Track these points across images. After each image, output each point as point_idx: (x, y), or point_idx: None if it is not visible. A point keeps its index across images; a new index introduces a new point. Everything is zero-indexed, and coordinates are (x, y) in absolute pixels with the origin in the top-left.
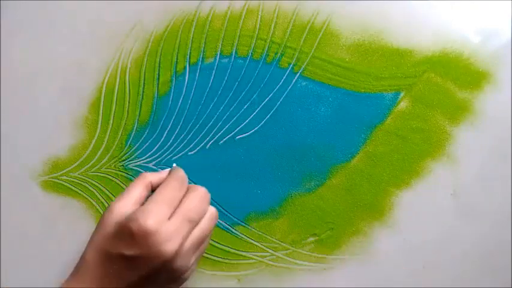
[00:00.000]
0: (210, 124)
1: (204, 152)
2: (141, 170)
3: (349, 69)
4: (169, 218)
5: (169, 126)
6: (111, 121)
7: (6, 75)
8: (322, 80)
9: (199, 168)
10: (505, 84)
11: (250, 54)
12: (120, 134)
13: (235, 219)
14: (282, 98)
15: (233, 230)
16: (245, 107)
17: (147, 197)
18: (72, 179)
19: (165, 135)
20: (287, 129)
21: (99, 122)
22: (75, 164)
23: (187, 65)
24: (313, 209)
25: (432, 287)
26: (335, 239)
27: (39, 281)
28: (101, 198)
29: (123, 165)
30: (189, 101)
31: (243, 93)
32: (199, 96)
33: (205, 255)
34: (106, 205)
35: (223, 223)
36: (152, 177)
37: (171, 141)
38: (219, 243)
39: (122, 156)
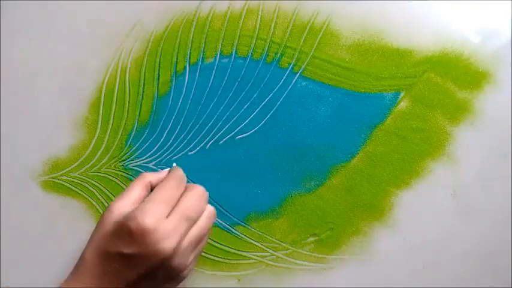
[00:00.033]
0: (210, 124)
1: (204, 152)
2: (141, 170)
3: (349, 69)
4: (167, 217)
5: (169, 126)
6: (111, 121)
7: (6, 75)
8: (322, 80)
9: (199, 168)
10: (505, 84)
11: (250, 54)
12: (120, 134)
13: (235, 219)
14: (282, 98)
15: (233, 230)
16: (245, 107)
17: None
18: (72, 179)
19: (165, 135)
20: (287, 129)
21: (99, 122)
22: (75, 164)
23: (187, 65)
24: (313, 209)
25: (432, 287)
26: (335, 239)
27: (39, 281)
28: (101, 198)
29: (123, 165)
30: (189, 101)
31: (243, 93)
32: (199, 96)
33: (205, 255)
34: (106, 205)
35: (223, 223)
36: (152, 177)
37: (171, 141)
38: (219, 243)
39: (122, 156)
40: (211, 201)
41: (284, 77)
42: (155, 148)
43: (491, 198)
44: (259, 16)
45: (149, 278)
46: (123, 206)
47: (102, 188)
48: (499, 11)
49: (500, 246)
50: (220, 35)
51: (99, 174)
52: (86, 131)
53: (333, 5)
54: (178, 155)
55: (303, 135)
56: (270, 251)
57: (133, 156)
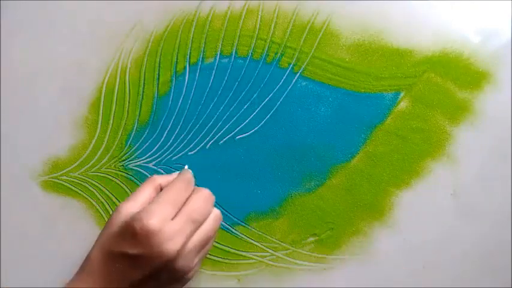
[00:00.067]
0: (210, 124)
1: (204, 152)
2: (141, 170)
3: (349, 69)
4: (172, 218)
5: (169, 126)
6: (111, 121)
7: (6, 75)
8: (322, 80)
9: (199, 168)
10: (505, 84)
11: (250, 54)
12: (120, 134)
13: (235, 219)
14: (282, 98)
15: (233, 230)
16: (245, 107)
17: None
18: (72, 179)
19: (165, 135)
20: (287, 129)
21: (99, 122)
22: (75, 164)
23: (187, 65)
24: (313, 209)
25: (432, 287)
26: (335, 239)
27: (39, 281)
28: (101, 198)
29: (123, 165)
30: (189, 101)
31: (243, 93)
32: (199, 96)
33: None
34: (106, 205)
35: (223, 223)
36: (161, 180)
37: (171, 141)
38: (219, 243)
39: (122, 156)
40: None
41: (284, 77)
42: (155, 148)
43: (491, 198)
44: (259, 16)
45: (153, 279)
46: (131, 207)
47: (102, 188)
48: (499, 11)
49: (500, 246)
50: (220, 35)
51: (99, 174)
52: (86, 131)
53: (333, 5)
54: (178, 155)
55: (303, 135)
56: (270, 251)
57: (133, 156)
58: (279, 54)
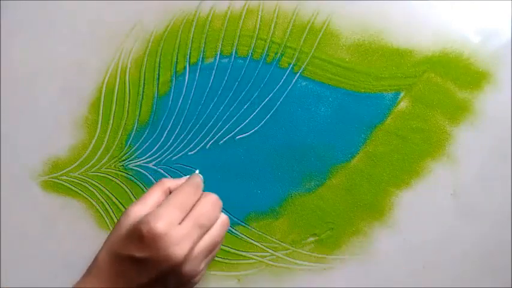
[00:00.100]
0: (210, 124)
1: (204, 152)
2: (141, 170)
3: (349, 69)
4: (180, 223)
5: (169, 126)
6: (111, 121)
7: (6, 75)
8: (322, 80)
9: (199, 168)
10: (505, 84)
11: (250, 54)
12: (120, 134)
13: (235, 219)
14: (282, 98)
15: (233, 230)
16: (245, 107)
17: None
18: (72, 179)
19: (165, 135)
20: (287, 129)
21: (99, 122)
22: (75, 164)
23: (187, 65)
24: (313, 209)
25: (432, 287)
26: (335, 239)
27: (39, 281)
28: (101, 198)
29: (123, 165)
30: (189, 101)
31: (243, 93)
32: (199, 96)
33: None
34: (106, 205)
35: None
36: (170, 183)
37: (171, 141)
38: None
39: (122, 156)
40: None
41: (284, 77)
42: (155, 148)
43: (491, 198)
44: (259, 16)
45: (160, 283)
46: (139, 210)
47: (102, 188)
48: (499, 11)
49: (500, 246)
50: (220, 35)
51: (99, 174)
52: (86, 131)
53: (333, 5)
54: (178, 155)
55: (303, 135)
56: (270, 251)
57: (133, 156)
58: (279, 54)
